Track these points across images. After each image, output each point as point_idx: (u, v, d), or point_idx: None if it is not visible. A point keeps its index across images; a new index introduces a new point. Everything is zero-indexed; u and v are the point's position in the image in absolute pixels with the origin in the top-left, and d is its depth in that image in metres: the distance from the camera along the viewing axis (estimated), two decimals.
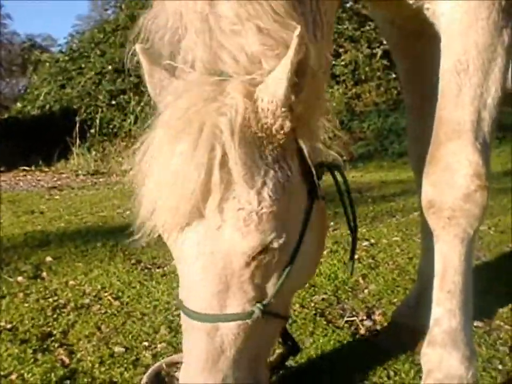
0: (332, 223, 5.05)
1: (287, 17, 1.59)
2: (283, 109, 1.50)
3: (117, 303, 3.30)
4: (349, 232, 4.36)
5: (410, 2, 2.04)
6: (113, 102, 15.30)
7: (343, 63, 15.11)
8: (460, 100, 1.92)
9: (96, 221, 5.56)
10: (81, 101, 15.47)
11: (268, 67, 1.54)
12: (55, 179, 10.42)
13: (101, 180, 10.13)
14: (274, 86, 1.48)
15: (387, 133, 13.44)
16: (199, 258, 1.54)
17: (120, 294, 3.45)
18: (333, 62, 15.06)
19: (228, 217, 1.49)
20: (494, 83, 1.91)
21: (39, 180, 10.22)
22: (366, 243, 4.43)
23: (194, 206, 1.48)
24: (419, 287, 2.66)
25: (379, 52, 15.20)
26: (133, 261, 4.12)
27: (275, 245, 1.56)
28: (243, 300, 1.59)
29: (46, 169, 12.63)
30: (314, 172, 1.67)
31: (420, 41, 2.39)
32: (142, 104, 14.23)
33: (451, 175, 1.90)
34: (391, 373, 2.36)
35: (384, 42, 15.91)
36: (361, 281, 3.56)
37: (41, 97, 16.31)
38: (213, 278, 1.55)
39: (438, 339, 1.90)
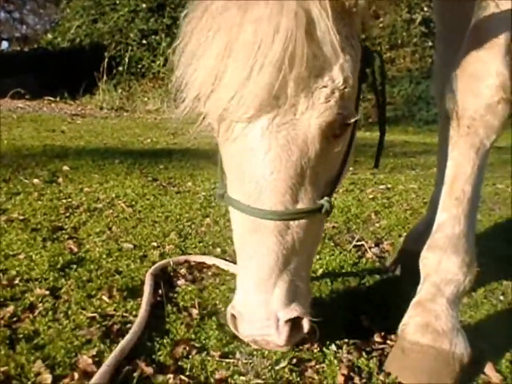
0: (351, 168, 5.03)
1: None
2: None
3: (129, 210, 3.33)
4: (367, 177, 4.37)
5: None
6: (144, 42, 15.18)
7: (380, 25, 14.75)
8: (495, 10, 1.86)
9: (116, 144, 5.58)
10: (112, 37, 15.36)
11: None
12: (80, 109, 10.44)
13: (125, 114, 10.11)
14: None
15: (416, 99, 13.23)
16: (272, 149, 1.42)
17: (133, 203, 3.48)
18: (371, 23, 14.66)
19: (310, 97, 1.38)
20: None
21: (62, 109, 10.25)
22: (382, 186, 4.40)
23: (275, 82, 1.32)
24: (430, 215, 2.63)
25: (418, 17, 14.79)
26: (149, 178, 4.14)
27: (351, 120, 1.48)
28: (314, 194, 1.53)
29: (71, 102, 12.67)
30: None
31: None
32: (173, 46, 14.11)
33: (476, 83, 1.86)
34: (392, 290, 2.36)
35: (425, 9, 15.57)
36: (373, 216, 3.54)
37: (72, 30, 16.23)
38: (288, 170, 1.44)
39: (439, 243, 1.87)
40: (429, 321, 1.80)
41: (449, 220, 1.90)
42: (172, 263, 2.48)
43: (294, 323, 1.54)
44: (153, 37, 15.11)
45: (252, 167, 1.46)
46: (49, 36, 17.53)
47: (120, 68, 14.33)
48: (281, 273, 1.50)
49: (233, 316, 1.58)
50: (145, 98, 13.18)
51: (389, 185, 4.47)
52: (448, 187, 1.94)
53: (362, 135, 8.79)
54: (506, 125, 1.97)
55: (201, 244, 2.81)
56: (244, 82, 1.34)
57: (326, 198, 1.56)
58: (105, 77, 13.32)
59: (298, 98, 1.38)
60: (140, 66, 14.76)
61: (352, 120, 1.51)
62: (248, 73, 1.33)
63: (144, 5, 15.58)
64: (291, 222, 1.50)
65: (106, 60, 13.52)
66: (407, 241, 2.72)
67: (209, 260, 2.55)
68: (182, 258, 2.57)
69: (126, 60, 14.48)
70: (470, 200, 1.90)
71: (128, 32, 15.37)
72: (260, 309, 1.51)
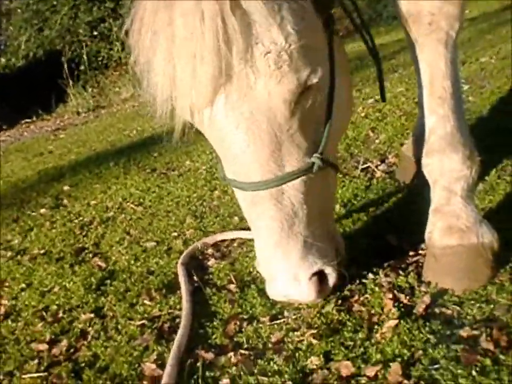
0: None
1: None
2: None
3: (140, 208, 3.37)
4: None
5: None
6: (95, 33, 14.86)
7: None
8: None
9: (105, 146, 5.58)
10: (63, 39, 15.06)
11: None
12: (58, 122, 10.37)
13: (102, 112, 10.03)
14: None
15: None
16: (240, 124, 1.46)
17: (141, 200, 3.52)
18: None
19: (257, 66, 1.39)
20: None
21: (41, 127, 10.19)
22: (371, 100, 4.38)
23: (219, 67, 1.35)
24: (421, 116, 2.63)
25: None
26: (148, 170, 4.16)
27: (314, 80, 1.48)
28: (300, 154, 1.56)
29: (48, 117, 12.55)
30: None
31: None
32: (124, 28, 13.82)
33: None
34: (409, 202, 2.40)
35: None
36: (371, 134, 3.55)
37: (22, 46, 15.90)
38: (262, 139, 1.48)
39: (436, 146, 1.88)
40: (451, 223, 1.84)
41: (438, 121, 1.90)
42: (199, 247, 2.54)
43: (319, 275, 1.62)
44: (102, 25, 14.78)
45: (229, 146, 1.51)
46: (2, 59, 17.22)
47: (82, 67, 14.09)
48: (291, 236, 1.57)
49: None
50: (117, 89, 13.01)
51: (377, 97, 4.43)
52: (428, 88, 1.93)
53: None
54: (464, 9, 1.95)
55: (218, 219, 2.86)
56: (192, 76, 1.38)
57: (315, 154, 1.58)
58: (71, 82, 13.13)
59: (246, 70, 1.39)
60: (99, 58, 14.51)
61: (319, 77, 1.51)
62: (192, 67, 1.36)
63: None
64: (284, 187, 1.55)
65: (65, 64, 13.29)
66: (405, 149, 2.74)
67: (229, 235, 2.59)
68: (208, 240, 2.60)
69: (85, 57, 14.22)
70: (453, 95, 1.90)
71: (76, 29, 15.03)
72: (280, 274, 1.62)
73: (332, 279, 1.69)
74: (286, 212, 1.55)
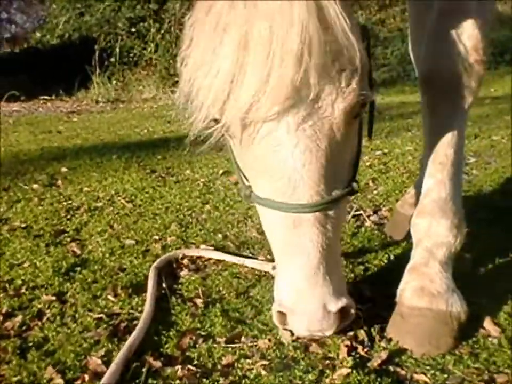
0: None
1: None
2: None
3: (129, 205, 3.37)
4: (364, 144, 4.37)
5: None
6: (133, 30, 15.03)
7: None
8: None
9: (113, 138, 5.61)
10: (101, 28, 15.23)
11: None
12: (75, 106, 10.45)
13: (121, 106, 10.11)
14: None
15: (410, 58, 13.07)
16: (300, 141, 1.42)
17: (133, 197, 3.52)
18: None
19: (330, 83, 1.37)
20: None
21: (58, 107, 10.25)
22: (378, 152, 4.40)
23: (297, 73, 1.30)
24: (421, 177, 2.65)
25: None
26: (147, 171, 4.18)
27: (370, 99, 1.49)
28: (344, 177, 1.55)
29: (67, 99, 12.64)
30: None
31: None
32: (162, 31, 14.03)
33: (450, 47, 1.88)
34: (391, 256, 2.40)
35: None
36: (371, 183, 3.57)
37: (60, 26, 16.12)
38: (318, 160, 1.44)
39: (428, 208, 1.91)
40: (424, 285, 1.84)
41: (435, 185, 1.94)
42: (178, 256, 2.53)
43: (341, 311, 1.60)
44: (141, 24, 14.97)
45: (282, 163, 1.46)
46: (38, 34, 17.44)
47: (112, 59, 14.23)
48: (328, 264, 1.53)
49: (281, 313, 1.61)
50: (140, 87, 13.13)
51: (386, 150, 4.48)
52: (431, 152, 1.97)
53: None
54: (481, 85, 1.99)
55: (202, 232, 2.86)
56: (265, 80, 1.32)
57: (354, 181, 1.61)
58: (98, 70, 13.26)
59: (321, 86, 1.38)
60: (131, 55, 14.64)
61: (370, 99, 1.52)
62: (268, 70, 1.31)
63: None
64: (328, 211, 1.52)
65: (97, 53, 13.45)
66: (400, 205, 2.76)
67: (211, 254, 2.57)
68: (189, 251, 2.59)
69: (117, 50, 14.37)
70: (454, 163, 1.94)
71: (116, 22, 15.22)
72: (315, 303, 1.55)
73: (352, 316, 1.67)
74: (327, 236, 1.52)
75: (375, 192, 3.39)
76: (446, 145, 1.93)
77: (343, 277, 1.69)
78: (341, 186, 1.55)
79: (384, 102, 8.25)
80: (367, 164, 4.04)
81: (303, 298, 1.55)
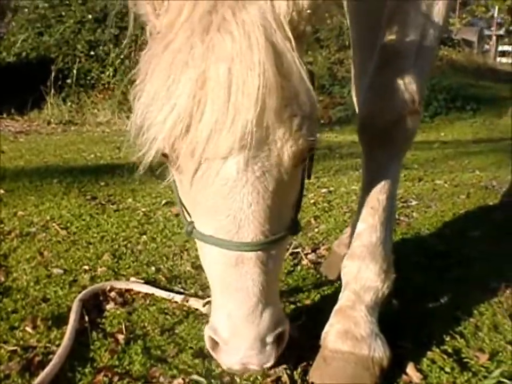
0: None
1: None
2: (309, 11, 1.40)
3: (64, 232, 3.26)
4: (311, 181, 4.39)
5: None
6: (92, 53, 14.93)
7: (328, 27, 14.91)
8: (404, 29, 1.94)
9: (57, 162, 5.46)
10: (59, 49, 15.06)
11: None
12: (25, 126, 10.21)
13: (72, 128, 9.94)
14: None
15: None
16: (249, 181, 1.41)
17: (68, 224, 3.41)
18: (317, 26, 14.83)
19: (282, 127, 1.37)
20: (437, 16, 1.97)
21: (7, 126, 9.98)
22: (324, 190, 4.43)
23: (252, 123, 1.30)
24: (356, 219, 2.68)
25: None
26: (87, 197, 4.07)
27: (316, 144, 1.49)
28: (287, 216, 1.55)
29: (18, 118, 12.34)
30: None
31: None
32: (121, 56, 13.99)
33: (386, 98, 1.94)
34: (323, 297, 2.38)
35: None
36: (313, 221, 3.57)
37: (18, 44, 15.84)
38: (265, 201, 1.44)
39: (357, 252, 1.93)
40: (349, 328, 1.84)
41: (366, 229, 1.96)
42: (105, 288, 2.44)
43: (278, 337, 1.60)
44: (101, 47, 14.90)
45: (228, 202, 1.44)
46: None
47: (69, 81, 14.05)
48: (267, 299, 1.53)
49: (214, 340, 1.59)
50: (95, 110, 12.98)
51: (331, 188, 4.52)
52: (364, 197, 2.00)
53: None
54: (415, 135, 2.04)
55: (135, 264, 2.78)
56: (221, 121, 1.31)
57: (298, 217, 1.62)
58: (53, 91, 13.04)
59: (273, 129, 1.37)
60: (88, 78, 14.49)
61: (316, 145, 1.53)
62: (225, 111, 1.31)
63: (90, 16, 15.36)
64: (270, 249, 1.52)
65: (53, 73, 13.26)
66: (336, 245, 2.77)
67: (142, 287, 2.49)
68: (118, 284, 2.51)
69: (74, 72, 14.21)
70: (386, 209, 1.97)
71: (75, 44, 15.09)
72: (251, 339, 1.54)
73: (286, 340, 1.66)
74: (267, 276, 1.51)
75: (316, 230, 3.39)
76: (378, 190, 1.97)
77: (280, 306, 1.69)
78: (284, 225, 1.56)
79: (337, 140, 8.41)
80: (312, 201, 4.05)
81: (239, 334, 1.54)
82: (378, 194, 1.96)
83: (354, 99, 2.90)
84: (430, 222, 3.58)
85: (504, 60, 24.79)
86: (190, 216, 1.63)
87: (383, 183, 1.96)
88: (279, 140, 1.39)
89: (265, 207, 1.45)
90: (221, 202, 1.44)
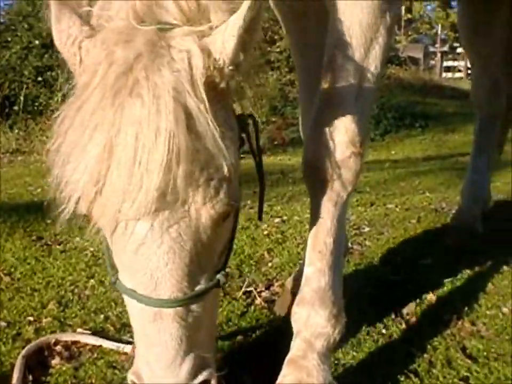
0: (248, 202, 5.02)
1: None
2: (231, 67, 1.38)
3: (7, 279, 3.12)
4: (264, 210, 4.38)
5: None
6: (40, 79, 14.63)
7: (278, 49, 15.10)
8: (341, 73, 1.96)
9: (1, 198, 5.26)
10: (5, 76, 14.70)
11: (216, 21, 1.41)
12: None
13: (19, 158, 9.66)
14: (224, 42, 1.35)
15: None
16: (164, 242, 1.39)
17: (12, 269, 3.27)
18: (268, 49, 15.09)
19: (197, 190, 1.34)
20: (375, 60, 2.00)
21: None
22: (277, 220, 4.41)
23: (163, 185, 1.28)
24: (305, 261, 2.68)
25: None
26: (33, 238, 3.92)
27: (237, 204, 1.49)
28: (209, 271, 1.51)
29: None
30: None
31: (310, 20, 2.47)
32: (70, 81, 13.75)
33: (328, 140, 1.95)
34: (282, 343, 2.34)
35: None
36: (266, 255, 3.54)
37: None
38: (181, 260, 1.42)
39: (307, 297, 1.93)
40: (301, 379, 1.82)
41: (314, 274, 1.95)
42: (50, 341, 2.34)
43: None
44: (48, 73, 14.62)
45: (145, 260, 1.41)
46: None
47: (16, 107, 13.71)
48: (187, 353, 1.47)
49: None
50: (44, 137, 12.66)
51: (285, 217, 4.50)
52: (311, 240, 2.00)
53: (265, 160, 8.88)
54: (359, 176, 2.05)
55: (82, 312, 2.67)
56: (129, 186, 1.29)
57: (222, 272, 1.56)
58: None
59: (187, 193, 1.34)
60: (36, 104, 14.16)
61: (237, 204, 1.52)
62: (132, 176, 1.28)
63: (37, 42, 15.08)
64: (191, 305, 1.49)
65: None
66: (289, 283, 2.75)
67: (90, 339, 2.39)
68: (63, 336, 2.40)
69: (21, 98, 13.86)
70: (333, 252, 1.96)
71: (22, 70, 14.77)
72: None
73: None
74: (187, 329, 1.47)
75: (269, 264, 3.36)
76: (325, 233, 1.96)
77: (210, 353, 1.61)
78: (207, 279, 1.51)
79: (290, 163, 8.45)
80: (265, 232, 4.02)
81: (158, 381, 1.48)
82: (325, 237, 1.96)
83: (302, 135, 2.90)
84: (382, 250, 3.60)
85: (449, 74, 25.65)
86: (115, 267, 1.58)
87: (329, 226, 1.96)
88: (195, 204, 1.36)
89: (182, 266, 1.43)
90: (138, 260, 1.42)
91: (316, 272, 1.94)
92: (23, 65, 14.91)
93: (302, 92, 2.72)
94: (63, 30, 1.41)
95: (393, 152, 10.49)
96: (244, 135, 1.64)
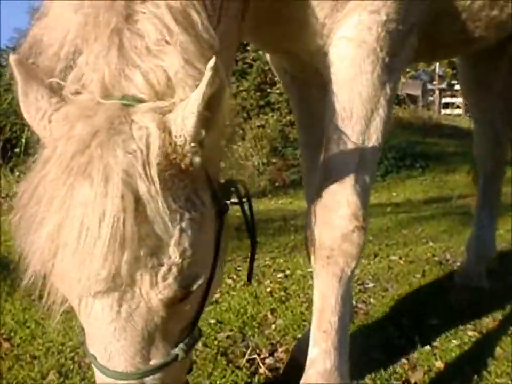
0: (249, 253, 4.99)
1: (209, 48, 1.48)
2: (192, 144, 1.35)
3: (7, 344, 3.07)
4: (267, 263, 4.34)
5: (304, 54, 2.13)
6: None
7: (278, 91, 15.25)
8: (343, 145, 1.97)
9: (1, 252, 5.21)
10: (7, 118, 14.83)
11: (183, 96, 1.38)
12: None
13: None
14: (184, 119, 1.32)
15: None
16: (115, 321, 1.37)
17: (12, 334, 3.22)
18: (269, 90, 15.30)
19: (145, 275, 1.32)
20: (376, 131, 2.02)
21: None
22: (280, 275, 4.36)
23: (105, 270, 1.28)
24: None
25: None
26: (33, 297, 3.85)
27: (195, 287, 1.44)
28: (166, 347, 1.48)
29: None
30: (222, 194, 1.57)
31: (311, 88, 2.50)
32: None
33: (330, 214, 1.95)
34: None
35: None
36: (269, 316, 3.48)
37: None
38: (133, 338, 1.40)
39: (313, 380, 1.89)
40: None
41: (320, 355, 1.92)
42: None
43: None
44: None
45: (99, 334, 1.40)
46: None
47: (17, 150, 13.79)
48: None
49: None
50: None
51: (288, 272, 4.45)
52: (316, 319, 1.98)
53: (266, 205, 8.88)
54: (362, 250, 2.04)
55: (83, 382, 2.61)
56: (74, 268, 1.28)
57: (180, 345, 1.50)
58: (0, 161, 12.75)
59: (133, 278, 1.31)
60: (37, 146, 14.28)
61: (201, 282, 1.45)
62: (77, 259, 1.27)
63: None
64: (146, 378, 1.46)
65: (1, 143, 12.99)
66: (295, 351, 2.69)
67: None
68: None
69: (23, 141, 13.97)
70: (338, 330, 1.94)
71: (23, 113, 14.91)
72: None
73: None
74: None
75: (273, 326, 3.30)
76: (330, 312, 1.95)
77: None
78: (163, 355, 1.47)
79: (291, 208, 8.42)
80: (268, 289, 3.96)
81: None
82: (330, 316, 1.95)
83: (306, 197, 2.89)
84: (387, 309, 3.55)
85: (448, 111, 25.85)
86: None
87: (334, 303, 1.94)
88: (144, 287, 1.34)
89: (135, 343, 1.41)
90: (93, 333, 1.42)
91: (322, 353, 1.91)
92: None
93: (306, 156, 2.73)
94: (31, 104, 1.40)
95: (394, 193, 10.50)
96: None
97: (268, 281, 4.16)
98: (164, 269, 1.33)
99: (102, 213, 1.24)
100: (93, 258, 1.26)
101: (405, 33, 2.11)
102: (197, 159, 1.38)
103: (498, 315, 3.38)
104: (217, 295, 3.77)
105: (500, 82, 3.72)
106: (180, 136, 1.33)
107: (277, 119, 14.81)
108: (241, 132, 12.72)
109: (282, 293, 3.91)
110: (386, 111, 2.03)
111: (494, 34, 2.64)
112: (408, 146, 13.54)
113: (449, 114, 24.09)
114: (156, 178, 1.28)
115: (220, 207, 1.55)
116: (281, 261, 4.80)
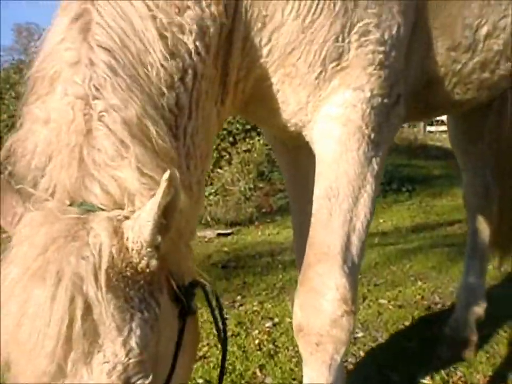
0: (238, 297, 4.95)
1: (165, 157, 1.55)
2: (148, 249, 1.41)
3: None
4: (255, 309, 4.28)
5: (291, 129, 2.12)
6: None
7: None
8: (330, 224, 1.96)
9: None
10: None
11: (140, 205, 1.45)
12: None
13: None
14: (140, 227, 1.39)
15: None
16: None
17: None
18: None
19: (91, 371, 1.35)
20: (363, 208, 2.00)
21: None
22: (269, 323, 4.31)
23: (53, 365, 1.32)
24: None
25: None
26: None
27: None
28: None
29: None
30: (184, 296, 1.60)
31: (300, 154, 2.47)
32: None
33: (318, 299, 1.93)
34: None
35: None
36: (258, 373, 3.43)
37: None
38: None
39: None
40: None
41: None
42: None
43: None
44: None
45: None
46: None
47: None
48: None
49: None
50: None
51: (276, 319, 4.40)
52: None
53: (253, 236, 8.82)
54: (352, 335, 2.00)
55: None
56: (29, 362, 1.34)
57: None
58: None
59: (81, 372, 1.34)
60: None
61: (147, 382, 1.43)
62: (31, 355, 1.32)
63: None
64: None
65: None
66: None
67: None
68: None
69: None
70: None
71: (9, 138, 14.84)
72: None
73: None
74: None
75: None
76: None
77: None
78: None
79: (278, 240, 8.36)
80: (256, 342, 3.91)
81: None
82: None
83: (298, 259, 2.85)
84: (377, 363, 3.52)
85: (433, 128, 26.05)
86: None
87: None
88: (89, 380, 1.35)
89: None
90: None
91: None
92: (10, 134, 14.97)
93: (297, 221, 2.71)
94: (8, 210, 1.47)
95: (381, 220, 10.49)
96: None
97: (256, 331, 4.11)
98: (108, 366, 1.36)
99: (50, 315, 1.31)
100: (43, 355, 1.31)
101: (391, 106, 2.10)
102: (154, 262, 1.43)
103: (488, 371, 3.36)
104: (205, 349, 3.72)
105: (489, 135, 3.73)
106: (137, 242, 1.40)
107: (263, 142, 14.80)
108: (227, 156, 12.73)
109: (271, 346, 3.86)
110: (373, 188, 2.02)
111: (485, 95, 2.66)
112: (395, 170, 13.58)
113: (434, 132, 24.27)
114: (103, 284, 1.34)
115: (182, 307, 1.58)
116: (270, 306, 4.75)
